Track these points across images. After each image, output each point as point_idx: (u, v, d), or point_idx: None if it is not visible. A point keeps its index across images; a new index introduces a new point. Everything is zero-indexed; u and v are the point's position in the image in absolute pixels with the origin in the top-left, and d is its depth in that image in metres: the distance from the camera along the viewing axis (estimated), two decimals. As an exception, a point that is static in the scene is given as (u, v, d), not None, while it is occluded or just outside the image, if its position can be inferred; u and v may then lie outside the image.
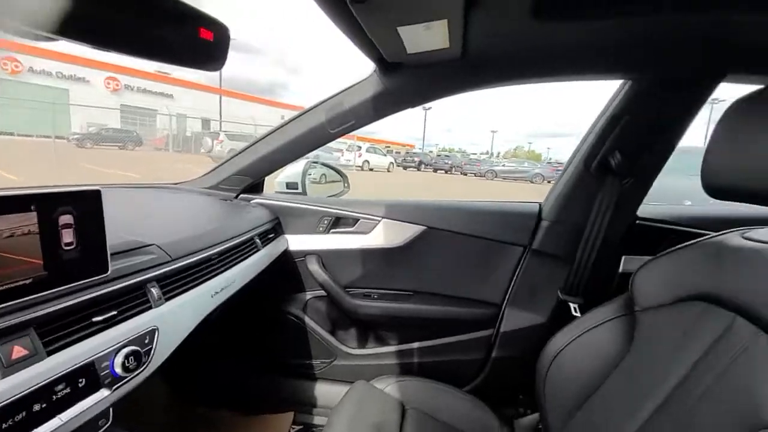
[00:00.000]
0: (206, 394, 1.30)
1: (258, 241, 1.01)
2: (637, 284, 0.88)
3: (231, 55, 0.46)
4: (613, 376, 0.84)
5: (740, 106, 0.69)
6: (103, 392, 0.51)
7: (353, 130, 1.07)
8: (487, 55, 0.84)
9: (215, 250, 0.80)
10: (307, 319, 1.25)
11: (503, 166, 20.24)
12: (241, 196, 1.20)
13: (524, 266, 1.14)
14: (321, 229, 1.22)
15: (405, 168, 21.61)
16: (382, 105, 1.01)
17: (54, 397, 0.46)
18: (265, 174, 1.21)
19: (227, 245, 0.86)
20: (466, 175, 20.51)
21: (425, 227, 1.17)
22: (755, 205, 0.65)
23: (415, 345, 1.21)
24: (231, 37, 0.46)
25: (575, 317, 1.01)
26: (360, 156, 16.50)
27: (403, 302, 1.20)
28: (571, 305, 1.05)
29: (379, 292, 1.22)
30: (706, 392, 0.68)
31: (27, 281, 0.45)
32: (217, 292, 0.78)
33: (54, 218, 0.48)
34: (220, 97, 22.18)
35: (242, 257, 0.91)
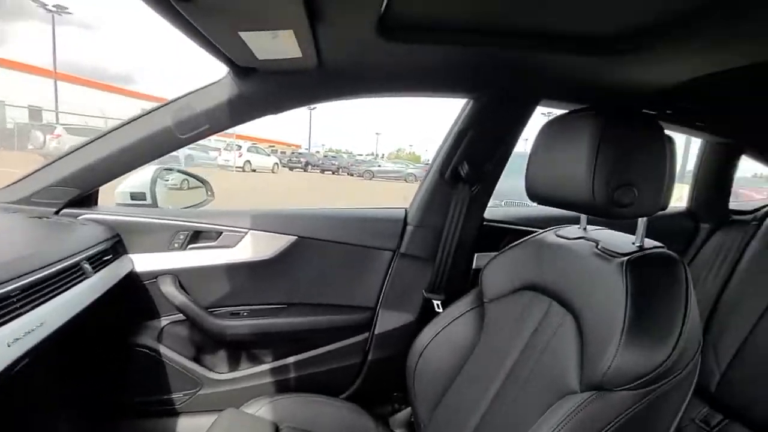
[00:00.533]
0: None
1: (87, 266, 0.84)
2: (484, 279, 0.99)
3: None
4: (468, 363, 0.93)
5: (547, 127, 0.83)
6: None
7: (207, 135, 0.97)
8: (341, 67, 0.84)
9: (12, 286, 0.63)
10: (163, 349, 1.09)
11: (379, 167, 21.43)
12: (64, 211, 0.99)
13: (393, 269, 1.19)
14: (176, 245, 1.08)
15: (291, 169, 20.97)
16: (237, 110, 0.94)
17: None
18: (99, 184, 1.02)
19: (35, 277, 0.69)
20: (352, 175, 20.92)
21: (296, 237, 1.13)
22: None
23: (291, 360, 1.17)
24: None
25: (438, 313, 1.09)
26: (240, 156, 15.41)
27: (275, 317, 1.14)
28: (434, 302, 1.14)
29: (248, 309, 1.14)
30: (533, 368, 0.80)
31: None
32: (17, 339, 0.62)
33: None
34: (55, 82, 18.16)
35: (61, 289, 0.74)
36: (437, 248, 1.14)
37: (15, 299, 0.64)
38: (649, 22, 0.67)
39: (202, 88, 0.93)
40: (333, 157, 25.03)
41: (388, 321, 1.20)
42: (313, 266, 1.16)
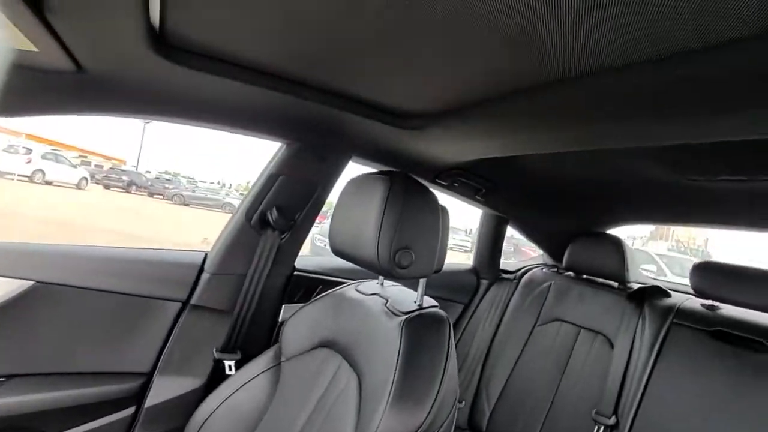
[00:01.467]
0: None
1: None
2: (284, 335, 0.91)
3: None
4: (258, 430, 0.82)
5: (349, 185, 0.85)
6: None
7: None
8: (108, 77, 0.70)
9: None
10: None
11: (193, 192, 19.84)
12: None
13: (181, 324, 1.00)
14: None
15: (107, 187, 17.30)
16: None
17: None
18: None
19: None
20: (188, 205, 18.58)
21: (33, 282, 0.84)
22: None
23: None
24: None
25: (228, 376, 0.95)
26: (29, 162, 11.94)
27: (9, 397, 0.80)
28: (227, 363, 1.00)
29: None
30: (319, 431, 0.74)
31: None
32: None
33: None
34: None
35: None
36: (236, 299, 1.02)
37: None
38: (452, 105, 0.77)
39: None
40: (168, 180, 21.90)
41: (166, 389, 0.98)
42: (62, 321, 0.88)
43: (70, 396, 0.88)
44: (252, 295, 1.02)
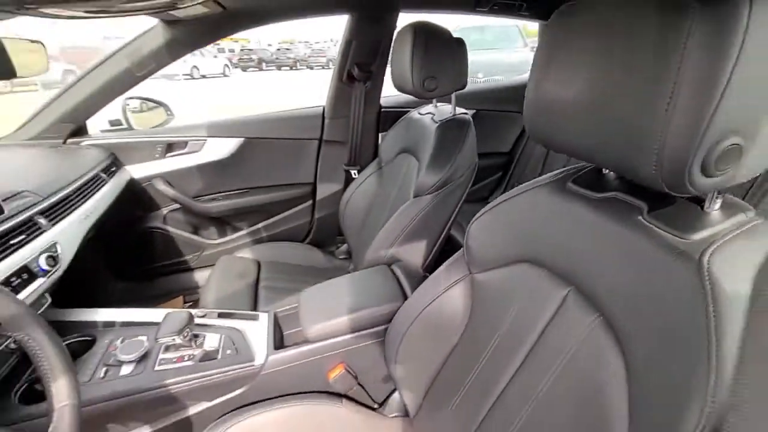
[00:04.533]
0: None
1: (104, 175, 1.26)
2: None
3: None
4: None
5: (394, 40, 1.19)
6: (39, 281, 0.85)
7: (155, 72, 1.30)
8: (237, 8, 1.16)
9: (72, 188, 1.07)
10: (170, 228, 1.59)
11: (308, 56, 20.21)
12: (69, 141, 1.36)
13: (322, 153, 1.65)
14: (157, 155, 1.49)
15: (244, 69, 19.48)
16: (170, 51, 1.26)
17: (11, 286, 0.79)
18: (85, 118, 1.37)
19: (81, 181, 1.11)
20: (312, 69, 19.70)
21: (243, 138, 1.55)
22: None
23: (261, 225, 1.69)
24: None
25: (354, 179, 1.57)
26: (185, 62, 14.21)
27: (241, 197, 1.63)
28: (352, 171, 1.63)
29: (221, 194, 1.61)
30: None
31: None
32: (86, 216, 1.08)
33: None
34: None
35: (95, 190, 1.18)
36: (349, 133, 1.58)
37: (74, 196, 1.07)
38: None
39: (141, 36, 1.23)
40: (287, 49, 23.04)
41: (324, 190, 1.70)
42: (260, 158, 1.60)
43: (277, 195, 1.66)
44: (357, 129, 1.56)
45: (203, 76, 14.82)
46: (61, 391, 0.56)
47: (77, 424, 0.55)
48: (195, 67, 14.59)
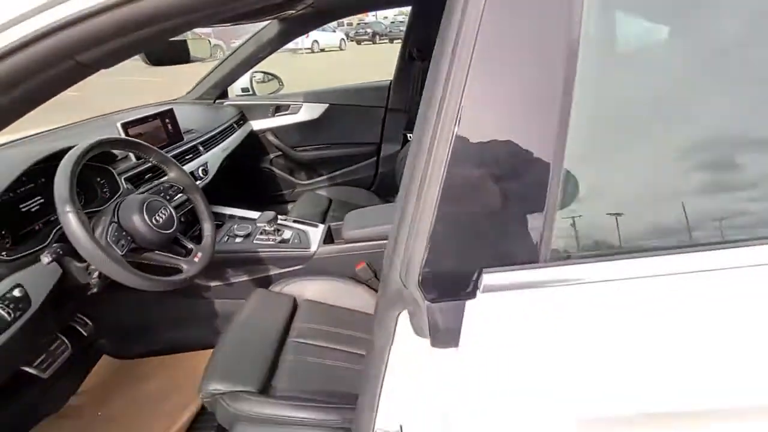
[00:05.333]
0: None
1: (235, 126, 1.86)
2: None
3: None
4: None
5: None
6: (197, 182, 1.44)
7: (272, 53, 1.83)
8: (322, 3, 1.58)
9: (217, 131, 1.67)
10: (274, 169, 2.18)
11: None
12: (217, 101, 2.00)
13: (387, 118, 2.05)
14: (269, 115, 2.06)
15: (359, 42, 20.47)
16: (278, 38, 1.76)
17: (185, 182, 1.39)
18: (228, 85, 1.98)
19: (222, 127, 1.72)
20: (422, 41, 19.67)
21: (328, 104, 2.03)
22: None
23: (337, 172, 2.19)
24: None
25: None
26: (308, 37, 15.63)
27: (325, 150, 2.13)
28: (408, 135, 2.00)
29: (311, 146, 2.13)
30: None
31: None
32: (224, 150, 1.68)
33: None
34: None
35: (229, 134, 1.77)
36: (408, 103, 1.95)
37: (218, 135, 1.67)
38: None
39: (262, 29, 1.76)
40: (401, 22, 23.35)
41: (386, 149, 2.11)
42: (340, 120, 2.07)
43: (348, 150, 2.12)
44: (415, 100, 1.92)
45: (322, 50, 16.14)
46: (207, 233, 1.10)
47: (212, 252, 1.08)
48: (315, 41, 15.94)
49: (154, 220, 0.95)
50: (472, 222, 0.45)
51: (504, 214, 0.45)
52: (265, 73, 2.27)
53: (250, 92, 2.12)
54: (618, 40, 0.47)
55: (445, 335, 0.45)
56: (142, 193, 1.12)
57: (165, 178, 1.13)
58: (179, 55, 1.56)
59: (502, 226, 0.45)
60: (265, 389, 0.92)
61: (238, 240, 1.36)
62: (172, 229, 0.99)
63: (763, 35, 0.43)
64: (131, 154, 1.20)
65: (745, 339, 0.43)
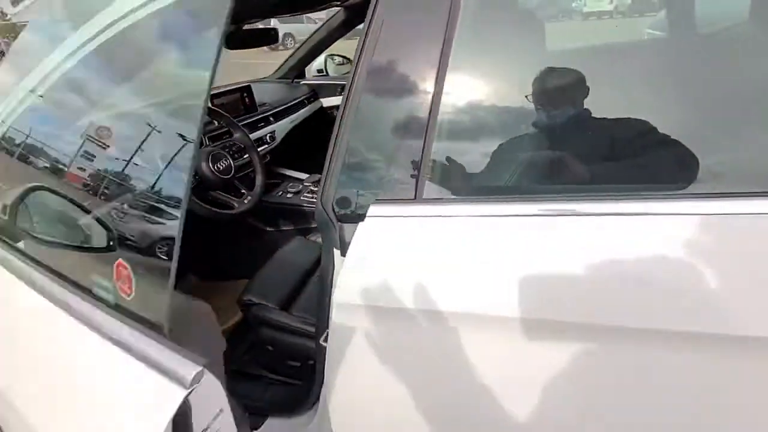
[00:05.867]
0: None
1: (306, 102, 2.15)
2: None
3: None
4: None
5: None
6: (265, 146, 1.76)
7: (339, 39, 2.05)
8: None
9: (290, 104, 1.98)
10: None
11: None
12: (294, 81, 2.32)
13: None
14: (338, 93, 2.31)
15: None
16: (346, 25, 1.97)
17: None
18: (304, 67, 2.28)
19: (293, 102, 2.02)
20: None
21: None
22: None
23: None
24: None
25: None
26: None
27: None
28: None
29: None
30: None
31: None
32: (292, 121, 1.98)
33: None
34: None
35: (300, 108, 2.07)
36: None
37: (297, 104, 1.98)
38: None
39: (332, 17, 1.99)
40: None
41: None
42: None
43: None
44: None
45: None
46: (258, 183, 1.39)
47: (259, 197, 1.37)
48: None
49: (216, 167, 1.26)
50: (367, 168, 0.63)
51: (388, 160, 0.61)
52: (340, 56, 2.53)
53: (324, 73, 2.40)
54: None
55: (345, 247, 0.63)
56: (214, 147, 1.45)
57: (231, 138, 1.45)
58: (266, 40, 1.87)
59: (387, 170, 0.61)
60: (285, 308, 1.18)
61: (288, 195, 1.64)
62: (229, 175, 1.30)
63: None
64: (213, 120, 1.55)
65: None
